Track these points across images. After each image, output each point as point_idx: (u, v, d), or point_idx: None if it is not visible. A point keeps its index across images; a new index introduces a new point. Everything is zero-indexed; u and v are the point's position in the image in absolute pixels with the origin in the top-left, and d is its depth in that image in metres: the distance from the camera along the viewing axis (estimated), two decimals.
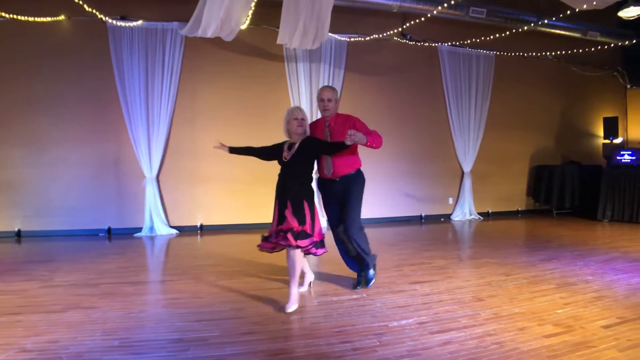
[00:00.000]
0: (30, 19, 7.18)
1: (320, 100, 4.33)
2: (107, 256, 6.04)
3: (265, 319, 3.61)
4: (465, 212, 9.14)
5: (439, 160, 9.11)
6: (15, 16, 7.07)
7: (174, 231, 7.75)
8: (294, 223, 3.82)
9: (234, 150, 4.47)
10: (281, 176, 4.07)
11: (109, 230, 7.69)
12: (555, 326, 3.38)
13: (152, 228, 7.62)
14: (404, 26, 8.23)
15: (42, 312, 3.84)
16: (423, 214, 9.03)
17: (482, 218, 9.22)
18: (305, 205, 3.90)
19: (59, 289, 4.50)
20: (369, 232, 7.58)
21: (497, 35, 8.53)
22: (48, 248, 6.72)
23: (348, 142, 3.76)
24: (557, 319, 3.52)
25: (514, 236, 7.36)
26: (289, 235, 3.76)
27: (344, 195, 4.30)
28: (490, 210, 9.57)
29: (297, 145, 4.05)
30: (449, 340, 3.14)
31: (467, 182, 9.18)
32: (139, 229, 7.64)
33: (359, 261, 4.47)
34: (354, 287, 4.42)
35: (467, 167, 9.18)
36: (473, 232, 7.96)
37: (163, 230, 7.63)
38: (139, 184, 7.66)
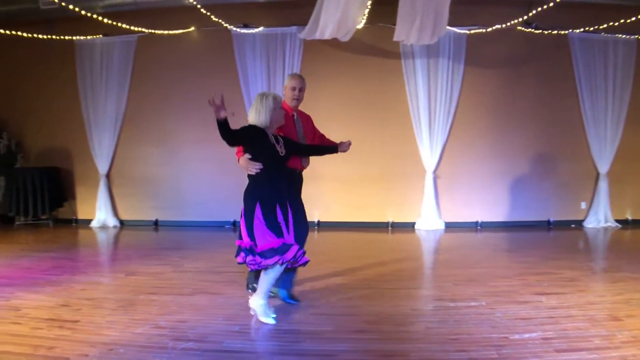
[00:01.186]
0: (165, 32, 7.95)
1: (292, 89, 4.04)
2: (231, 247, 6.39)
3: (379, 319, 3.59)
4: (600, 218, 8.22)
5: (570, 160, 8.28)
6: (152, 31, 7.88)
7: None
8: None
9: (224, 123, 3.42)
10: (278, 173, 3.57)
11: (233, 223, 8.26)
12: None
13: None
14: (529, 14, 7.60)
15: (174, 294, 4.24)
16: (551, 219, 8.29)
17: (620, 226, 8.21)
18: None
19: (188, 274, 4.93)
20: (488, 236, 7.17)
21: (639, 16, 7.48)
22: (180, 237, 7.40)
23: (344, 150, 4.02)
24: None
25: None
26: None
27: (297, 194, 4.10)
28: (630, 217, 8.49)
29: (281, 139, 3.63)
30: None
31: (603, 185, 8.23)
32: None
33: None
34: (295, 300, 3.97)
35: (603, 168, 8.24)
36: (609, 241, 7.16)
37: None
38: None
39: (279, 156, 3.54)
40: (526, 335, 3.21)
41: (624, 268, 5.17)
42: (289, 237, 3.49)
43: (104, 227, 8.34)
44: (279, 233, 3.41)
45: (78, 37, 8.22)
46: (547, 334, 3.23)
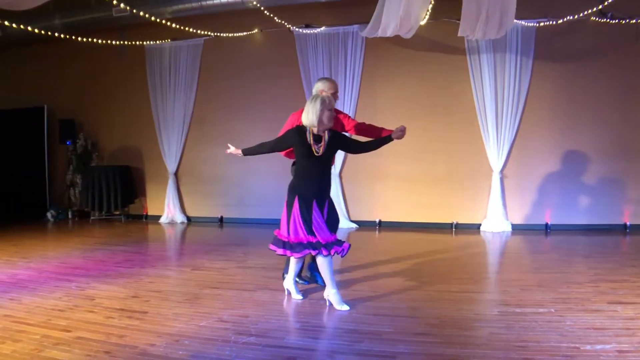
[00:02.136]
0: (230, 35, 8.18)
1: (334, 94, 4.25)
2: None
3: (441, 322, 3.50)
4: None
5: None
6: (217, 34, 8.14)
7: (354, 225, 8.07)
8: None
9: (247, 152, 4.27)
10: (312, 171, 3.81)
11: None
12: None
13: None
14: (604, 3, 7.09)
15: (237, 289, 4.36)
16: (628, 223, 7.72)
17: None
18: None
19: (251, 270, 5.06)
20: (558, 239, 6.82)
21: None
22: (244, 234, 7.61)
23: (399, 137, 3.90)
24: None
25: None
26: (345, 246, 3.81)
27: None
28: None
29: (327, 138, 3.80)
30: None
31: None
32: None
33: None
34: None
35: None
36: None
37: (343, 223, 8.00)
38: None
39: (315, 156, 3.77)
40: (599, 347, 3.01)
41: None
42: (321, 235, 3.73)
43: (172, 223, 8.73)
44: (309, 230, 3.71)
45: (148, 42, 8.65)
46: (623, 347, 3.01)
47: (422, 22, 7.07)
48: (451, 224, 7.92)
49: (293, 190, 3.82)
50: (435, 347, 3.04)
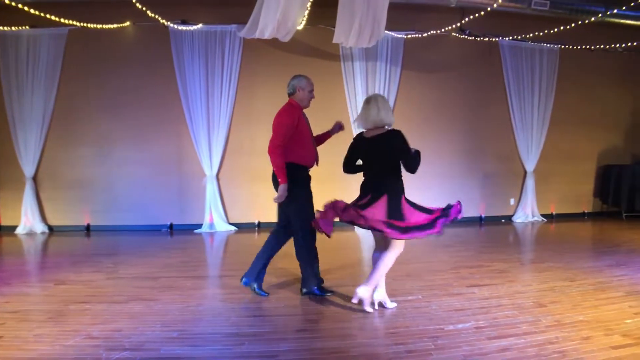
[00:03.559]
0: (98, 26, 7.59)
1: (311, 91, 4.45)
2: (168, 251, 6.29)
3: (319, 317, 3.63)
4: (527, 213, 8.76)
5: (500, 159, 8.78)
6: (85, 24, 7.50)
7: (233, 228, 7.96)
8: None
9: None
10: None
11: (170, 226, 8.01)
12: (624, 337, 3.16)
13: (211, 224, 7.85)
14: (463, 21, 7.98)
15: (107, 302, 4.05)
16: (482, 215, 8.73)
17: (545, 220, 8.80)
18: None
19: (123, 281, 4.74)
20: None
21: (562, 27, 8.09)
22: (114, 242, 7.09)
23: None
24: (627, 330, 3.29)
25: (579, 239, 6.98)
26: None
27: None
28: (554, 212, 9.12)
29: None
30: (508, 346, 3.02)
31: (530, 182, 8.79)
32: (199, 226, 7.90)
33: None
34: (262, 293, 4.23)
35: (529, 167, 8.79)
36: (535, 234, 7.62)
37: (222, 226, 7.86)
38: (199, 182, 7.93)
39: None
40: (460, 326, 3.37)
41: (548, 259, 5.55)
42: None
43: (30, 234, 7.84)
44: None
45: (2, 28, 7.67)
46: (480, 323, 3.42)
47: (299, 27, 7.24)
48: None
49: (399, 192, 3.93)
50: (315, 342, 3.14)
